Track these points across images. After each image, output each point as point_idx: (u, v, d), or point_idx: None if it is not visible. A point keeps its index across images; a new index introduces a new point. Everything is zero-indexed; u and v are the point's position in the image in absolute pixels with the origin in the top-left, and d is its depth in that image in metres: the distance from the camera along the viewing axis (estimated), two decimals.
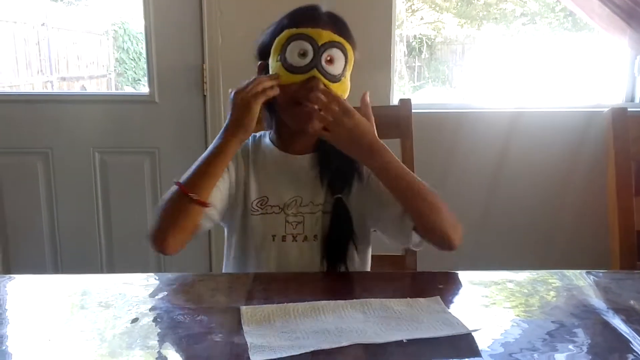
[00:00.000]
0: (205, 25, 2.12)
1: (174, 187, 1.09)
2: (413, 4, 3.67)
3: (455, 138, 2.23)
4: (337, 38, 1.12)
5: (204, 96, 2.19)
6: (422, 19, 3.86)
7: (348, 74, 1.15)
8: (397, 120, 1.53)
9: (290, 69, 1.11)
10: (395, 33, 2.20)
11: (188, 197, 1.06)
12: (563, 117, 2.26)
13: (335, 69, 1.12)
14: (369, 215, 1.21)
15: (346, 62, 1.13)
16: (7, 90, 2.80)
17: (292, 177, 1.21)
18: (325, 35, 1.11)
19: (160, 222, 1.09)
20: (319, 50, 1.10)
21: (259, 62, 1.21)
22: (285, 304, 0.90)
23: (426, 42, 3.93)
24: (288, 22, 1.15)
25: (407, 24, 3.61)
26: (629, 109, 1.36)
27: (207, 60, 2.15)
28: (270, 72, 1.15)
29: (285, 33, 1.13)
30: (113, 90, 3.85)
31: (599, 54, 2.69)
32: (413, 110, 1.54)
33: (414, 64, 3.88)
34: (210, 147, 1.12)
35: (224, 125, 1.12)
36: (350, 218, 1.19)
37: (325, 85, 1.11)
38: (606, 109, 1.36)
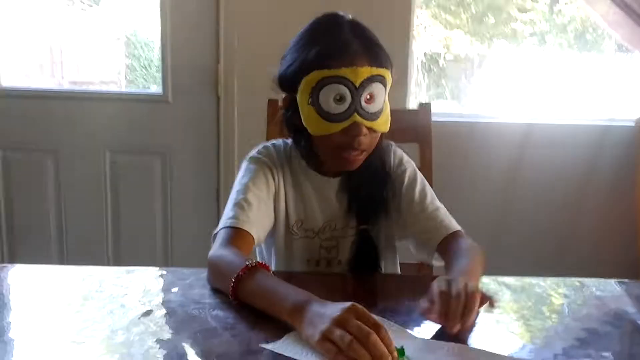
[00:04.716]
0: (222, 25, 2.10)
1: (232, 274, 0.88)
2: (424, 21, 3.67)
3: (472, 147, 2.23)
4: (375, 71, 0.98)
5: (218, 97, 2.16)
6: (432, 35, 3.86)
7: (387, 97, 1.04)
8: (416, 125, 1.50)
9: (327, 117, 0.99)
10: (412, 46, 2.19)
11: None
12: (577, 130, 2.28)
13: (376, 105, 1.00)
14: (398, 233, 1.19)
15: (386, 91, 1.02)
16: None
17: (325, 200, 1.15)
18: (363, 72, 0.97)
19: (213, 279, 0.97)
20: (357, 91, 0.97)
21: (284, 95, 1.08)
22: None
23: (436, 58, 3.92)
24: (315, 57, 0.99)
25: (418, 40, 3.60)
26: None
27: (223, 60, 2.12)
28: (301, 115, 1.03)
29: (315, 75, 0.98)
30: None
31: (609, 72, 2.70)
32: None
33: (424, 81, 3.87)
34: (275, 291, 0.85)
35: (292, 301, 0.81)
36: (377, 248, 1.14)
37: (367, 128, 1.01)
38: (632, 122, 1.33)
